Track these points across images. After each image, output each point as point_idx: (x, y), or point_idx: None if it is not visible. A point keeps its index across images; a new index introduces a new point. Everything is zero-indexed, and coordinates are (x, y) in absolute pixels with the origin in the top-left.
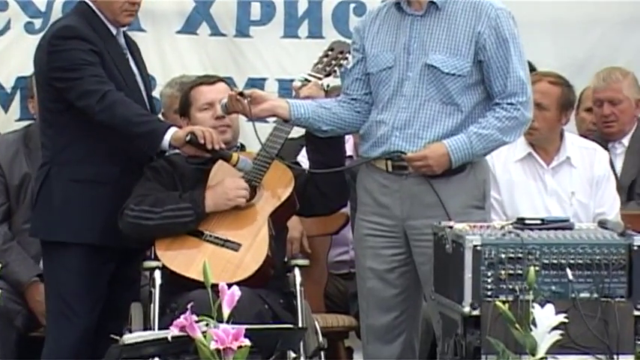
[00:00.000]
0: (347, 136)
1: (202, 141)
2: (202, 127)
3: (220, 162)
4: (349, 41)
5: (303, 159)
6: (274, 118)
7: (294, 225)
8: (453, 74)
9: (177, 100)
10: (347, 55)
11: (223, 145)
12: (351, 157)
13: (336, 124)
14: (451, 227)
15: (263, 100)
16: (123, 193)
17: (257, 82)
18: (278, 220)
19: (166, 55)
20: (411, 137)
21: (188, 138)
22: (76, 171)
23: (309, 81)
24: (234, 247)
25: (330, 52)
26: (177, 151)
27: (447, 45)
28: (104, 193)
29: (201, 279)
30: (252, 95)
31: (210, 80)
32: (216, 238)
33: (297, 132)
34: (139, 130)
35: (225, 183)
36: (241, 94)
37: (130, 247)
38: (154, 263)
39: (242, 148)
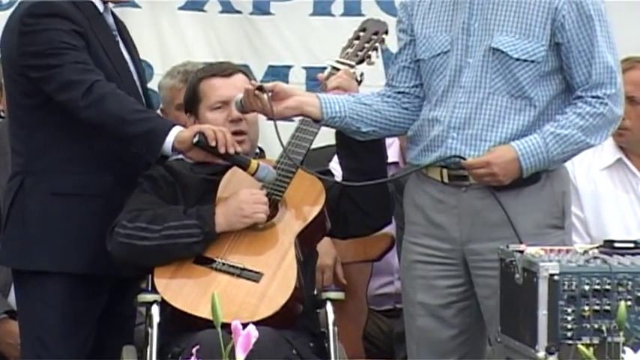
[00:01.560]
0: (390, 139)
1: (214, 143)
2: (213, 126)
3: (233, 170)
4: (393, 19)
5: (336, 166)
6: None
7: (326, 249)
8: (524, 60)
9: (180, 94)
10: (383, 36)
11: (240, 149)
12: (396, 164)
13: (378, 124)
14: (522, 252)
15: (288, 95)
16: (116, 210)
17: (279, 71)
18: (306, 243)
19: (166, 36)
20: (471, 139)
21: (196, 139)
22: (57, 182)
23: (338, 69)
24: (254, 277)
25: (362, 34)
26: (180, 156)
27: (517, 24)
28: (93, 209)
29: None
30: (275, 89)
31: (225, 71)
32: (231, 266)
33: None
34: (135, 130)
35: (239, 196)
36: (260, 88)
37: (123, 276)
38: (151, 297)
39: (261, 154)
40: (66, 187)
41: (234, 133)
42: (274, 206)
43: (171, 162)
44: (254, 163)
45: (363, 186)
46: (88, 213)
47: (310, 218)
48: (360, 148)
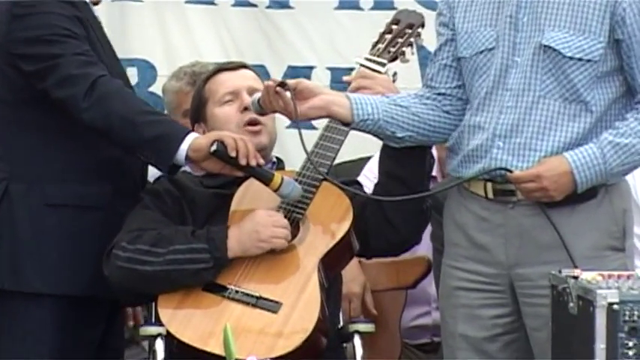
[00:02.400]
0: None
1: (234, 153)
2: (232, 133)
3: (249, 183)
4: (431, 13)
5: (365, 181)
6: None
7: (354, 275)
8: (579, 59)
9: (188, 98)
10: (419, 29)
11: (262, 161)
12: (433, 178)
13: (416, 130)
14: (576, 277)
15: (313, 93)
16: (118, 224)
17: (300, 72)
18: (331, 267)
19: (171, 33)
20: (519, 149)
21: (214, 148)
22: (50, 191)
23: (368, 69)
24: (272, 307)
25: (394, 27)
26: (186, 168)
27: (571, 18)
28: (92, 222)
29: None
30: (298, 87)
31: (230, 66)
32: (245, 294)
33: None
34: (145, 135)
35: (256, 217)
36: (282, 84)
37: (121, 301)
38: (154, 329)
39: (279, 165)
40: (61, 197)
41: (249, 123)
42: (295, 225)
43: (177, 175)
44: (277, 177)
45: (397, 201)
46: (86, 227)
47: (336, 239)
48: (403, 153)
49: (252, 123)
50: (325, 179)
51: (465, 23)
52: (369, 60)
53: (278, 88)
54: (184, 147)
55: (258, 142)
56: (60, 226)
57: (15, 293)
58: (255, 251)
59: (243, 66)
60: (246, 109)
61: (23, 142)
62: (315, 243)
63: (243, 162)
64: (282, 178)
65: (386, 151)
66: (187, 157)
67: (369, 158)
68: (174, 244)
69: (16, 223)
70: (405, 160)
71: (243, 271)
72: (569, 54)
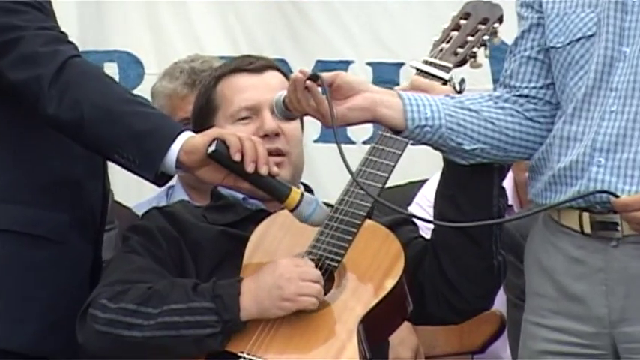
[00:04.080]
0: None
1: (238, 157)
2: (238, 132)
3: (271, 220)
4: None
5: (419, 210)
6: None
7: (403, 337)
8: None
9: (184, 103)
10: (495, 25)
11: (275, 170)
12: (509, 207)
13: (490, 141)
14: None
15: (355, 90)
16: (76, 264)
17: (332, 68)
18: (375, 332)
19: (163, 22)
20: (626, 167)
21: (212, 149)
22: None
23: (429, 74)
24: None
25: (463, 22)
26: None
27: None
28: (47, 257)
29: None
30: (336, 81)
31: (253, 65)
32: None
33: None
34: (128, 129)
35: (279, 267)
36: (315, 77)
37: None
38: None
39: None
40: (5, 221)
41: (268, 154)
42: (329, 276)
43: (173, 207)
44: (296, 193)
45: (457, 250)
46: (38, 262)
47: (382, 294)
48: (462, 191)
49: (272, 154)
50: (367, 216)
51: (555, 3)
52: (429, 63)
53: (309, 83)
54: (176, 148)
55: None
56: (2, 259)
57: None
58: (275, 312)
59: (269, 66)
60: (266, 135)
61: None
62: (355, 299)
63: (249, 169)
64: (302, 195)
65: (447, 174)
66: (179, 162)
67: (422, 182)
68: (169, 302)
69: None
70: (467, 206)
71: (259, 334)
72: None
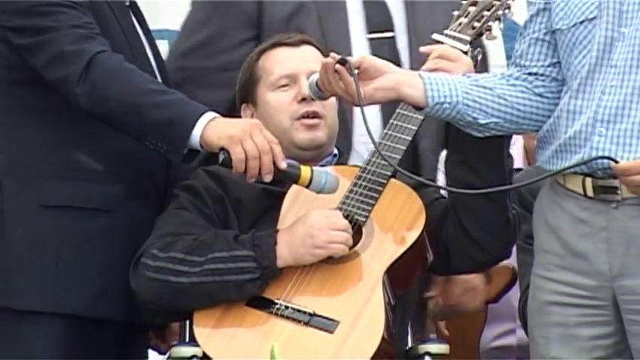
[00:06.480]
0: (512, 138)
1: (242, 167)
2: (249, 140)
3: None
4: None
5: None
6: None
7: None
8: None
9: None
10: (508, 1)
11: (284, 165)
12: (518, 170)
13: (503, 115)
14: None
15: (380, 72)
16: (132, 230)
17: None
18: (399, 280)
19: None
20: (625, 136)
21: (220, 158)
22: (49, 190)
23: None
24: (328, 325)
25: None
26: None
27: None
28: (98, 228)
29: None
30: (363, 64)
31: (291, 40)
32: (297, 311)
33: None
34: (152, 119)
35: (310, 219)
36: (343, 61)
37: (138, 321)
38: (188, 350)
39: (339, 157)
40: (61, 197)
41: (306, 116)
42: (357, 230)
43: (217, 167)
44: (305, 170)
45: (474, 197)
46: (91, 233)
47: (406, 246)
48: (476, 156)
49: (310, 116)
50: (392, 176)
51: None
52: (449, 37)
53: (338, 66)
54: (197, 132)
55: (315, 137)
56: (59, 231)
57: (6, 310)
58: (309, 259)
59: (306, 41)
60: (304, 99)
61: (20, 130)
62: (381, 250)
63: (250, 181)
64: (312, 171)
65: (453, 155)
66: (201, 145)
67: None
68: (213, 251)
69: (8, 227)
70: (480, 163)
71: (294, 283)
72: None
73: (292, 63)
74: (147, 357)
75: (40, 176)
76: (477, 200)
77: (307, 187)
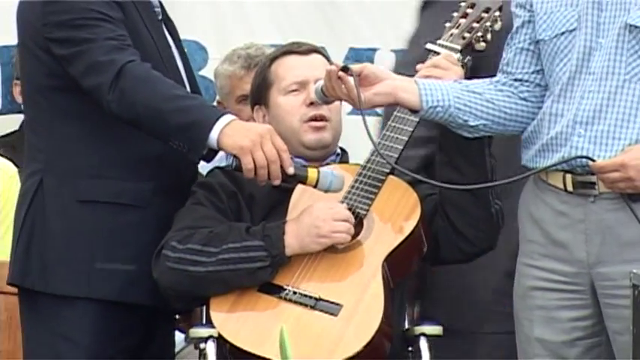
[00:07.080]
0: None
1: (252, 175)
2: (259, 149)
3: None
4: None
5: None
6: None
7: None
8: None
9: (242, 83)
10: (497, 13)
11: (292, 170)
12: None
13: (491, 117)
14: None
15: (379, 78)
16: (159, 224)
17: (362, 55)
18: (397, 268)
19: (223, 14)
20: (602, 136)
21: (232, 165)
22: (85, 187)
23: (439, 54)
24: (332, 309)
25: (470, 10)
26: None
27: None
28: (128, 221)
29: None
30: (363, 72)
31: (301, 49)
32: (304, 295)
33: None
34: (173, 123)
35: (315, 210)
36: (346, 69)
37: (163, 307)
38: (205, 331)
39: (342, 156)
40: (95, 193)
41: (313, 119)
42: (359, 222)
43: (231, 167)
44: (312, 172)
45: (461, 195)
46: (122, 226)
47: (403, 235)
48: (460, 157)
49: (318, 119)
50: (389, 173)
51: (543, 3)
52: (442, 46)
53: (341, 74)
54: (214, 135)
55: (321, 138)
56: (93, 224)
57: (43, 295)
58: (314, 247)
59: (315, 50)
60: (312, 103)
61: (59, 132)
62: (380, 240)
63: (261, 185)
64: (319, 172)
65: (442, 155)
66: (218, 146)
67: None
68: (227, 242)
69: (47, 219)
70: (464, 164)
71: (301, 270)
72: None
73: (302, 70)
74: (173, 339)
75: (76, 174)
76: (462, 197)
77: (314, 187)
